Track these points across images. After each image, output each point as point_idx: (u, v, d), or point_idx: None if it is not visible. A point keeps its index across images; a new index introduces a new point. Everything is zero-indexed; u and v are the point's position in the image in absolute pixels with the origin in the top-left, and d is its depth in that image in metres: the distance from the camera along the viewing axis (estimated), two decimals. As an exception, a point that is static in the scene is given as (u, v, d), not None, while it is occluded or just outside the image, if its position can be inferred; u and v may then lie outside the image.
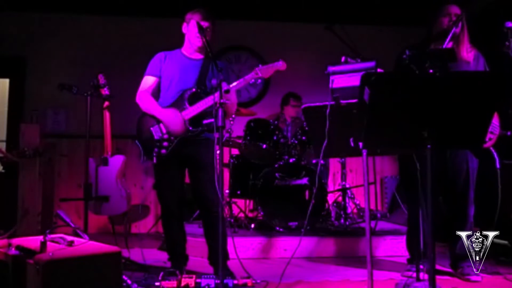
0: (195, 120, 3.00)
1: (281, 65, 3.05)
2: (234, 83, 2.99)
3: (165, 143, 3.01)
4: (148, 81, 3.15)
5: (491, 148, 3.15)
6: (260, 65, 3.06)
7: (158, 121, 3.04)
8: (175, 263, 3.16)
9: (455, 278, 3.15)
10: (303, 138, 4.46)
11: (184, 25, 3.14)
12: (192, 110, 2.99)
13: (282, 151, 4.40)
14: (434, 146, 2.13)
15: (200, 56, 3.15)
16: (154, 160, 3.01)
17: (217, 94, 2.65)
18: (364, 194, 2.58)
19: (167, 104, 3.07)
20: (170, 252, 3.22)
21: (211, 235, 3.09)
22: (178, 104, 3.03)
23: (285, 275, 2.92)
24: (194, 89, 3.05)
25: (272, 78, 5.70)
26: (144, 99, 3.10)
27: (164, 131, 3.02)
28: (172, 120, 3.00)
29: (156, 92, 3.18)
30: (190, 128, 2.99)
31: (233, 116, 4.38)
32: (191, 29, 3.07)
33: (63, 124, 5.43)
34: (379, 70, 2.80)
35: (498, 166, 3.16)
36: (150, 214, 5.41)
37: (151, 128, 3.03)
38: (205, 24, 3.01)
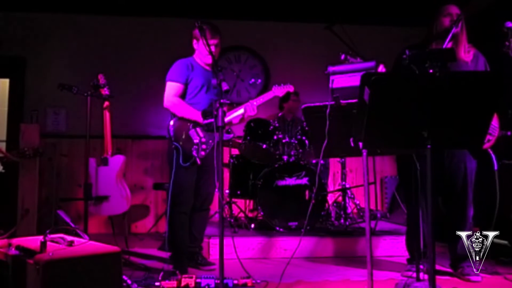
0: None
1: (291, 88, 3.74)
2: (255, 101, 3.48)
3: (203, 146, 3.19)
4: (176, 87, 3.27)
5: (489, 150, 3.15)
6: (276, 85, 3.72)
7: (195, 125, 3.20)
8: (178, 263, 3.17)
9: (455, 278, 3.15)
10: (303, 138, 4.47)
11: (194, 41, 3.31)
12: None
13: (282, 151, 4.41)
14: (434, 146, 2.13)
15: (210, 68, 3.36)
16: (198, 162, 3.16)
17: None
18: (364, 194, 2.58)
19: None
20: (175, 251, 3.23)
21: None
22: (209, 113, 3.22)
23: (285, 275, 2.93)
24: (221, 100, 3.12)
25: (271, 78, 5.80)
26: (178, 105, 3.24)
27: (201, 134, 3.20)
28: None
29: (180, 97, 3.30)
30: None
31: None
32: (202, 47, 3.20)
33: (63, 124, 5.44)
34: (383, 69, 2.80)
35: (496, 167, 3.16)
36: (150, 214, 5.41)
37: (189, 132, 3.19)
38: (214, 41, 3.21)
